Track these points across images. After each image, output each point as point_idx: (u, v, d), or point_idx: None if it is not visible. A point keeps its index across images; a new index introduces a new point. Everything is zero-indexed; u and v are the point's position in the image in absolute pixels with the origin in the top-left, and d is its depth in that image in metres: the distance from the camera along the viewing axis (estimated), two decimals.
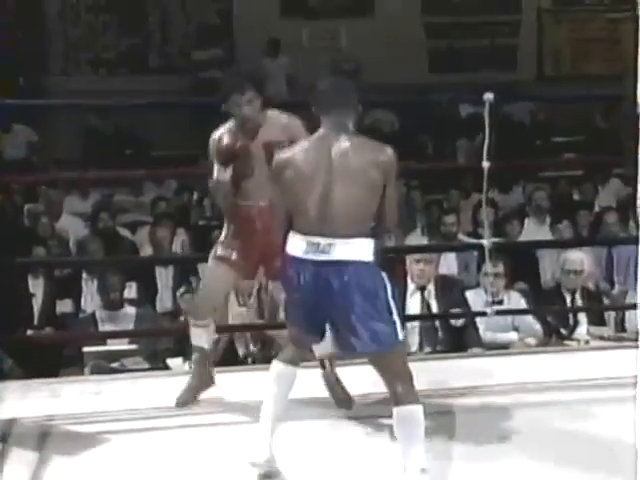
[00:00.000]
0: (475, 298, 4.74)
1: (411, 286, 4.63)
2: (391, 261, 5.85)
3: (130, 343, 4.57)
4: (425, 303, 4.61)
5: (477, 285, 5.03)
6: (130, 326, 4.85)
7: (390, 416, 2.71)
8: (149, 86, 9.03)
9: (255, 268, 3.33)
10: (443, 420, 3.24)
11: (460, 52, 9.83)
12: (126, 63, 10.17)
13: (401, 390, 2.66)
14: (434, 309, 4.59)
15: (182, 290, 5.22)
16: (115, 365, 4.36)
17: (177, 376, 3.97)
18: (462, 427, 3.22)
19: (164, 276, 5.80)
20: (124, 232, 6.62)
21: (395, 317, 2.68)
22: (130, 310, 4.99)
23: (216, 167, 3.18)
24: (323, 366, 3.37)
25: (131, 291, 5.41)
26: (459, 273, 5.75)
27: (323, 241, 2.60)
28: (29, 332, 5.30)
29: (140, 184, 7.52)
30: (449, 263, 5.77)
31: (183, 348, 5.04)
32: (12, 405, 3.48)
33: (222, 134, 3.21)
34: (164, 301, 5.72)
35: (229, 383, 3.61)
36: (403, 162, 2.79)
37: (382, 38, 9.39)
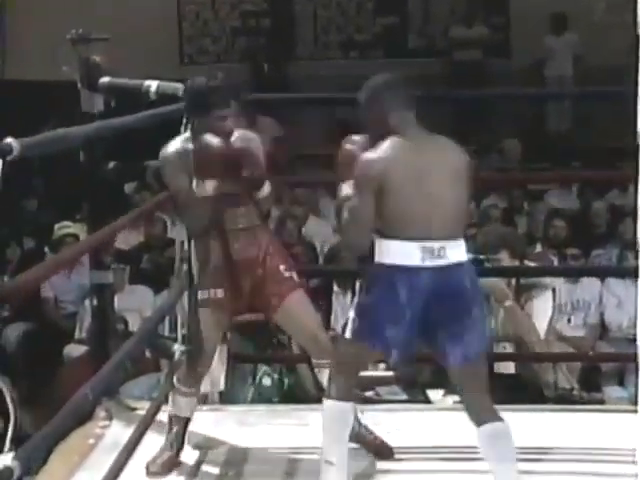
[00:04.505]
0: None
1: None
2: None
3: (386, 369, 4.60)
4: None
5: None
6: None
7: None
8: (407, 70, 9.11)
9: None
10: None
11: None
12: (381, 45, 10.36)
13: (487, 405, 2.78)
14: None
15: None
16: (369, 394, 4.41)
17: (442, 411, 3.95)
18: None
19: None
20: None
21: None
22: None
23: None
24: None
25: None
26: None
27: (436, 245, 2.71)
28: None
29: None
30: None
31: (443, 379, 4.98)
32: (256, 431, 3.61)
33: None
34: None
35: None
36: None
37: None
